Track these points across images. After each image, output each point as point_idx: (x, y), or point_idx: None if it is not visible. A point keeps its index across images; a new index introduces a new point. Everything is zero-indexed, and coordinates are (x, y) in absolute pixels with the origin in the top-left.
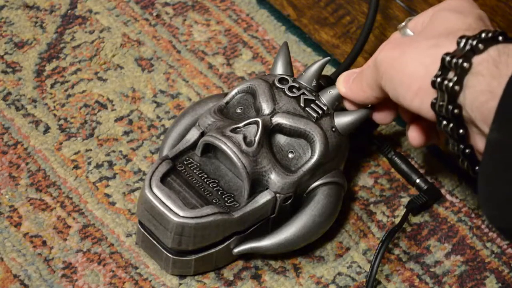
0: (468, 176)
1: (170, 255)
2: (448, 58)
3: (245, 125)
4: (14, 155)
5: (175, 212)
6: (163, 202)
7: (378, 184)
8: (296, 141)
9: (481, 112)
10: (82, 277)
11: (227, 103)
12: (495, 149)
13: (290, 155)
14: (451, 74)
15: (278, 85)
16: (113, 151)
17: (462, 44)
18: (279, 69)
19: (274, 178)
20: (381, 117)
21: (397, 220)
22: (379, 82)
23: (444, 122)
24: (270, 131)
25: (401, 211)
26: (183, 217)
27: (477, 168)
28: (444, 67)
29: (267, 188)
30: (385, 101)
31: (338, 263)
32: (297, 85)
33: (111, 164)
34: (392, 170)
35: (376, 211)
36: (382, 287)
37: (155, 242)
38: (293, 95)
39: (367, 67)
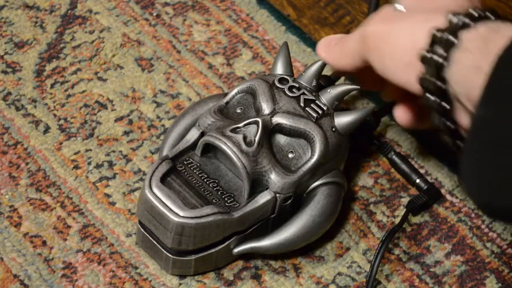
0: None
1: (170, 255)
2: (438, 33)
3: (245, 125)
4: (14, 155)
5: (175, 212)
6: (163, 202)
7: (378, 184)
8: (296, 141)
9: (466, 88)
10: (82, 277)
11: (227, 103)
12: (480, 126)
13: (290, 155)
14: (439, 49)
15: (278, 85)
16: (113, 151)
17: (452, 20)
18: (279, 69)
19: (274, 178)
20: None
21: (397, 220)
22: (363, 54)
23: (430, 96)
24: (270, 131)
25: (401, 211)
26: (183, 217)
27: (459, 142)
28: (434, 41)
29: (267, 188)
30: (364, 72)
31: (338, 263)
32: (297, 85)
33: (111, 164)
34: (392, 170)
35: (376, 211)
36: (382, 287)
37: (155, 242)
38: (293, 95)
39: (351, 36)
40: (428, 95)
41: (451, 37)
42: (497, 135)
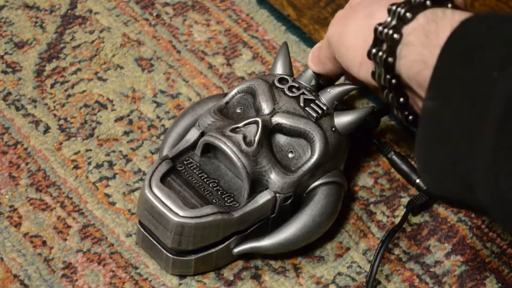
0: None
1: (170, 255)
2: (380, 29)
3: (245, 125)
4: (14, 155)
5: (175, 212)
6: (163, 202)
7: (378, 184)
8: (296, 141)
9: (417, 80)
10: (82, 277)
11: (227, 103)
12: (428, 117)
13: (290, 155)
14: (384, 46)
15: (278, 85)
16: (113, 151)
17: (391, 13)
18: (279, 69)
19: (274, 178)
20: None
21: (397, 220)
22: (333, 55)
23: (386, 91)
24: (270, 131)
25: (401, 211)
26: (183, 217)
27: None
28: (377, 38)
29: (267, 188)
30: None
31: (338, 263)
32: (297, 85)
33: (111, 164)
34: (392, 170)
35: (376, 211)
36: (382, 287)
37: (155, 242)
38: (293, 95)
39: (324, 42)
40: (384, 90)
41: (392, 33)
42: (439, 127)
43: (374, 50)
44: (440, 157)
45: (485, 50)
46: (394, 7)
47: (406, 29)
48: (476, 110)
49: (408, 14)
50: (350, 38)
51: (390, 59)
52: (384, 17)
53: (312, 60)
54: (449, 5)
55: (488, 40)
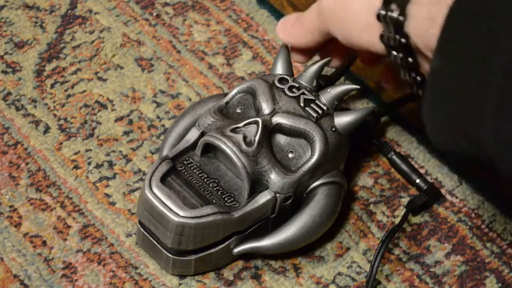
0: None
1: (170, 255)
2: None
3: (245, 125)
4: (14, 155)
5: (175, 212)
6: (163, 202)
7: (378, 184)
8: (296, 141)
9: (424, 39)
10: (82, 277)
11: (227, 103)
12: (436, 77)
13: (290, 155)
14: (393, 6)
15: (278, 85)
16: (113, 151)
17: None
18: (279, 69)
19: (274, 178)
20: (334, 62)
21: (397, 220)
22: (322, 27)
23: (394, 53)
24: (270, 131)
25: (401, 211)
26: (183, 217)
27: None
28: (386, 0)
29: (267, 188)
30: (328, 47)
31: (338, 263)
32: (297, 85)
33: (111, 164)
34: (392, 170)
35: (376, 211)
36: (382, 287)
37: (155, 242)
38: (293, 95)
39: (307, 13)
40: (392, 51)
41: None
42: (446, 85)
43: (383, 12)
44: (447, 115)
45: (489, 3)
46: None
47: None
48: (482, 66)
49: None
50: (354, 3)
51: (400, 18)
52: None
53: (285, 30)
54: None
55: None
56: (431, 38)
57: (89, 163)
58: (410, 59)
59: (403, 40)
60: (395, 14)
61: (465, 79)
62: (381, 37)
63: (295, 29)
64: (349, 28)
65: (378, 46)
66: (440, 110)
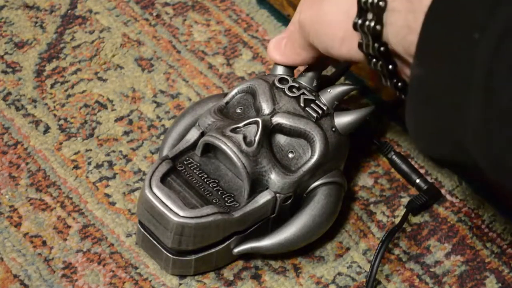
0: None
1: (170, 255)
2: (363, 0)
3: (245, 125)
4: (14, 155)
5: (175, 212)
6: (163, 202)
7: (378, 184)
8: (296, 141)
9: (403, 46)
10: (82, 277)
11: (227, 103)
12: (417, 83)
13: (290, 155)
14: (370, 15)
15: (278, 85)
16: (113, 151)
17: None
18: (279, 69)
19: (274, 178)
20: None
21: (397, 220)
22: (308, 41)
23: (374, 61)
24: (270, 131)
25: (401, 211)
26: (183, 217)
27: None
28: (362, 9)
29: (267, 188)
30: (324, 58)
31: (338, 263)
32: (297, 85)
33: (111, 164)
34: (392, 170)
35: (376, 211)
36: (382, 287)
37: (155, 242)
38: (293, 95)
39: (293, 30)
40: (372, 60)
41: (377, 1)
42: (428, 92)
43: (359, 21)
44: (431, 122)
45: (465, 10)
46: None
47: (389, 1)
48: (462, 74)
49: None
50: (329, 14)
51: (378, 27)
52: None
53: (280, 52)
54: None
55: (467, 1)
56: (410, 44)
57: (89, 163)
58: (390, 66)
59: (382, 48)
60: (372, 23)
61: (446, 86)
62: (360, 45)
63: (288, 49)
64: (327, 40)
65: (357, 55)
66: (423, 116)
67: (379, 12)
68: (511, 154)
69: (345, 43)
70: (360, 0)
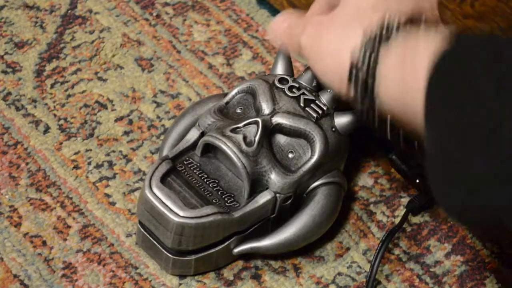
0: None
1: (170, 255)
2: (356, 57)
3: (245, 125)
4: (14, 155)
5: (175, 212)
6: (163, 202)
7: (378, 184)
8: (296, 141)
9: (398, 103)
10: (82, 277)
11: (227, 103)
12: (431, 146)
13: (290, 155)
14: (360, 74)
15: (278, 85)
16: (113, 151)
17: (370, 38)
18: (279, 69)
19: (274, 178)
20: None
21: (397, 220)
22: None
23: (362, 110)
24: (270, 131)
25: (401, 211)
26: (183, 217)
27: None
28: (355, 63)
29: (267, 188)
30: None
31: (338, 263)
32: (297, 85)
33: (111, 164)
34: (392, 170)
35: (376, 211)
36: (382, 287)
37: (155, 242)
38: (293, 95)
39: (296, 26)
40: (360, 108)
41: (369, 59)
42: (450, 164)
43: (351, 73)
44: (456, 190)
45: (474, 76)
46: (367, 39)
47: (382, 58)
48: (482, 140)
49: (382, 45)
50: (327, 58)
51: (369, 81)
52: (359, 39)
53: (276, 32)
54: (422, 24)
55: (473, 69)
56: (406, 106)
57: (89, 163)
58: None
59: (371, 101)
60: (365, 75)
61: (463, 147)
62: (350, 94)
63: (285, 37)
64: (326, 79)
65: (348, 94)
66: (448, 185)
67: (371, 67)
68: None
69: (342, 87)
70: (353, 56)
